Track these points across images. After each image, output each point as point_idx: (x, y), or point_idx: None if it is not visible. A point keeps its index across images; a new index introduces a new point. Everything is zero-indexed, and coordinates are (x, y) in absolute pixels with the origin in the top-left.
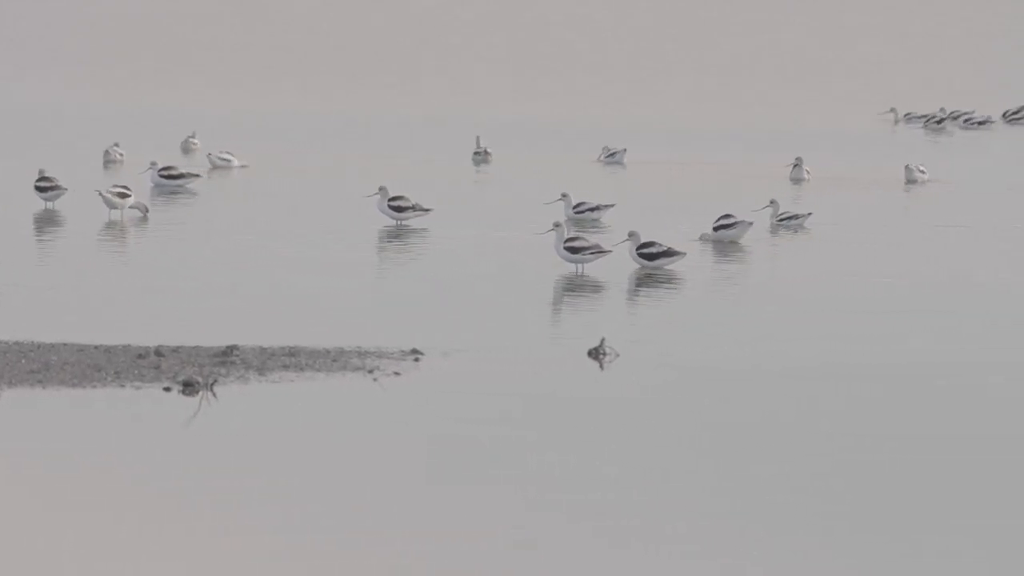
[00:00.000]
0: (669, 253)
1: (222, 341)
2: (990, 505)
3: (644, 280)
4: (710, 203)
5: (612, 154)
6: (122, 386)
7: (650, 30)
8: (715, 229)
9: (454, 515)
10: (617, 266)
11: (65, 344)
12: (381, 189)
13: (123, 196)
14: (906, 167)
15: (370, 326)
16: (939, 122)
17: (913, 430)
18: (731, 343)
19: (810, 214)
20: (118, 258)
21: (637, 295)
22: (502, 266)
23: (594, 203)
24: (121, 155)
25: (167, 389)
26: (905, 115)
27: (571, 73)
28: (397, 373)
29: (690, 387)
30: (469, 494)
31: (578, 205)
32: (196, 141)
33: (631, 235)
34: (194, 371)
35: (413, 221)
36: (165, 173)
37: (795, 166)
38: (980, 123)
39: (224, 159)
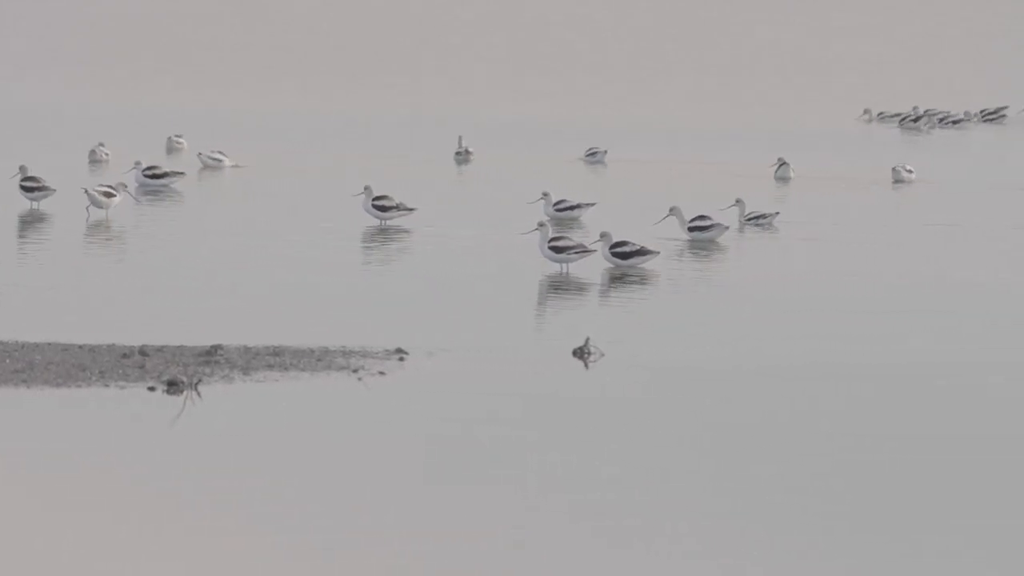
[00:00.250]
0: (642, 252)
1: (207, 341)
2: (989, 505)
3: (628, 280)
4: (693, 202)
5: (593, 153)
6: (106, 386)
7: (650, 30)
8: (690, 230)
9: (441, 515)
10: (602, 265)
11: (49, 344)
12: (366, 188)
13: (109, 196)
14: (893, 168)
15: (355, 326)
16: (915, 121)
17: (912, 430)
18: (714, 342)
19: (777, 213)
20: (102, 258)
21: (622, 295)
22: (486, 266)
23: (575, 201)
24: (107, 154)
25: (152, 389)
26: (879, 114)
27: (571, 73)
28: (382, 373)
29: (675, 387)
30: (455, 493)
31: (559, 203)
32: (182, 140)
33: (603, 235)
34: (179, 370)
35: (397, 220)
36: (149, 173)
37: (780, 165)
38: (955, 123)
39: (215, 159)
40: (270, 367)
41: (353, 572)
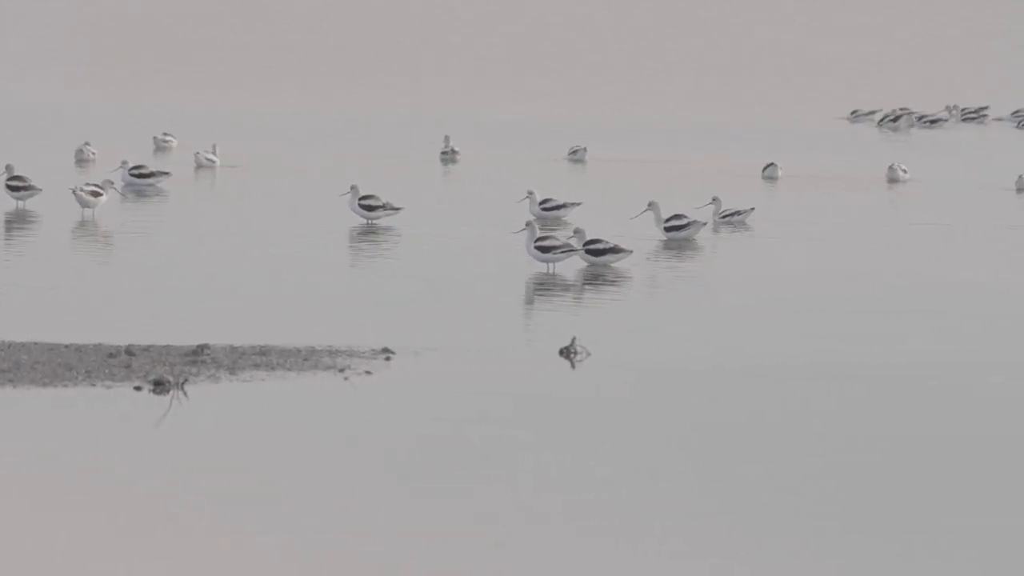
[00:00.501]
0: (615, 250)
1: (193, 340)
2: (981, 505)
3: (614, 279)
4: (680, 200)
5: (575, 151)
6: (93, 385)
7: (650, 30)
8: (667, 229)
9: (427, 515)
10: (589, 265)
11: (36, 343)
12: (352, 188)
13: (96, 195)
14: (889, 167)
15: (341, 325)
16: (894, 120)
17: (902, 430)
18: (699, 342)
19: (752, 209)
20: (89, 257)
21: (608, 294)
22: (472, 266)
23: (561, 201)
24: (93, 153)
25: (138, 388)
26: (852, 112)
27: (570, 73)
28: (368, 372)
29: (661, 386)
30: (441, 493)
31: (544, 202)
32: (169, 139)
33: (576, 232)
34: (165, 370)
35: (383, 220)
36: (136, 172)
37: (768, 165)
38: (932, 122)
39: (210, 159)
40: (256, 367)
41: (340, 572)
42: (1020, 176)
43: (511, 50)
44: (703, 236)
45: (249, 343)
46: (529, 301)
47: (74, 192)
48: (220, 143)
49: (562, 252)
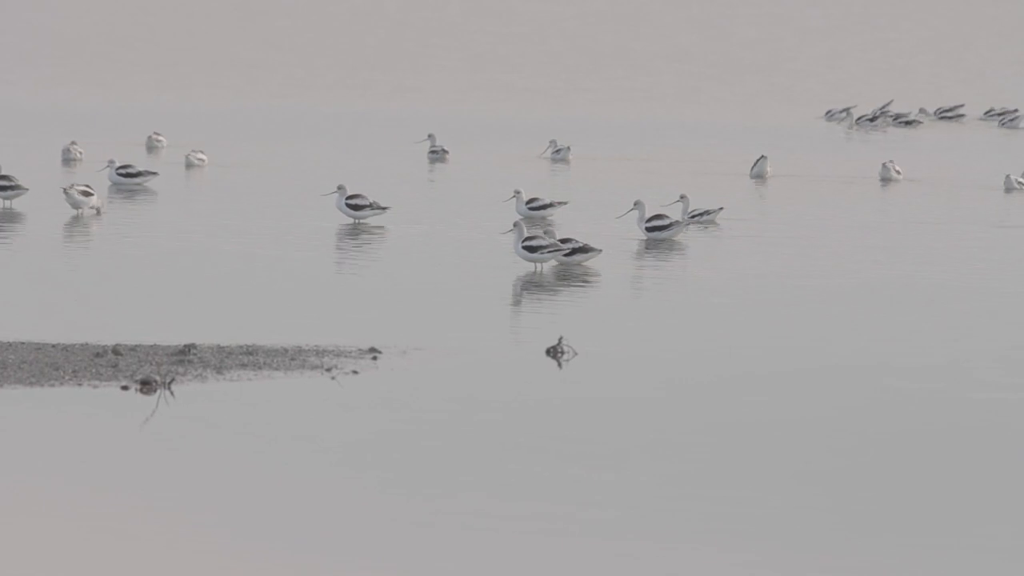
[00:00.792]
0: (584, 250)
1: (180, 340)
2: (979, 505)
3: (602, 279)
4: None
5: (557, 150)
6: (80, 385)
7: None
8: (648, 229)
9: (414, 515)
10: (584, 263)
11: (23, 343)
12: (339, 188)
13: (87, 195)
14: (883, 165)
15: (328, 325)
16: (871, 120)
17: (898, 430)
18: (686, 341)
19: (721, 208)
20: (76, 256)
21: (595, 294)
22: (460, 264)
23: (547, 200)
24: (80, 153)
25: (125, 388)
26: (827, 112)
27: (555, 71)
28: (355, 372)
29: (649, 385)
30: (429, 493)
31: (531, 201)
32: (162, 138)
33: (546, 232)
34: (152, 370)
35: (371, 219)
36: (123, 171)
37: (760, 158)
38: (907, 123)
39: (201, 159)
40: (243, 366)
41: (328, 572)
42: (1007, 176)
43: (499, 49)
44: (685, 235)
45: (236, 343)
46: (516, 301)
47: (66, 191)
48: (208, 143)
49: (549, 252)
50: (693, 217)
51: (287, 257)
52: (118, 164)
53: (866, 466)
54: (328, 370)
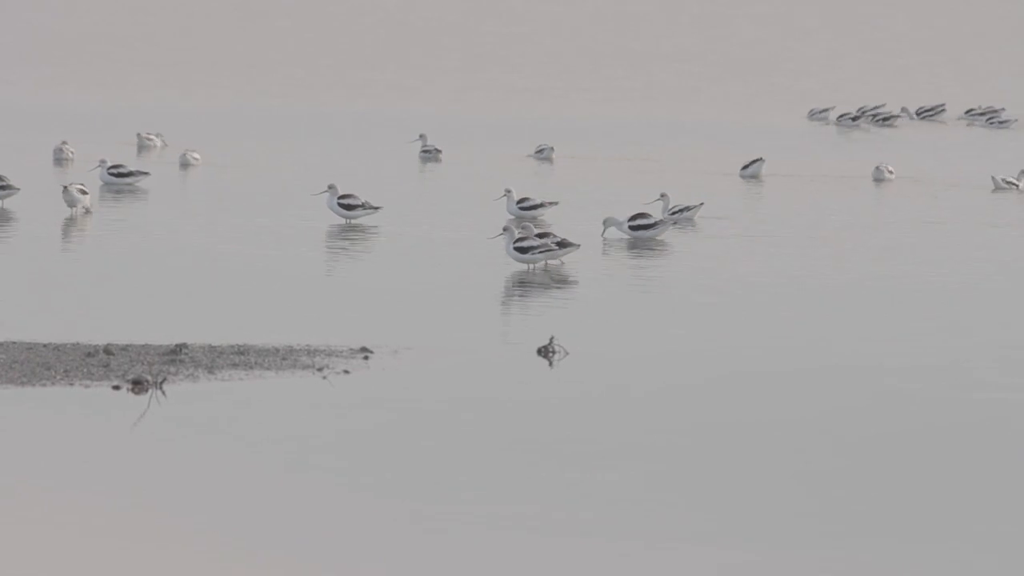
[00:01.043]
0: (564, 244)
1: (171, 339)
2: (975, 503)
3: (593, 279)
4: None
5: (541, 150)
6: (71, 384)
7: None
8: (634, 228)
9: (405, 515)
10: (572, 263)
11: (14, 342)
12: (331, 187)
13: (83, 193)
14: (876, 167)
15: (319, 324)
16: (853, 119)
17: (892, 429)
18: (677, 340)
19: (702, 203)
20: (68, 256)
21: (585, 294)
22: (451, 264)
23: (538, 200)
24: (72, 152)
25: (116, 388)
26: (810, 111)
27: (546, 71)
28: (347, 371)
29: (640, 385)
30: (420, 493)
31: (522, 201)
32: (152, 137)
33: (505, 229)
34: (143, 369)
35: (362, 219)
36: (114, 171)
37: (752, 163)
38: (885, 119)
39: (196, 158)
40: (235, 366)
41: (320, 572)
42: (993, 176)
43: (499, 49)
44: (674, 234)
45: (227, 342)
46: (507, 301)
47: (66, 188)
48: (207, 142)
49: (541, 252)
50: (674, 214)
51: (278, 257)
52: (109, 164)
53: (864, 466)
54: (319, 370)
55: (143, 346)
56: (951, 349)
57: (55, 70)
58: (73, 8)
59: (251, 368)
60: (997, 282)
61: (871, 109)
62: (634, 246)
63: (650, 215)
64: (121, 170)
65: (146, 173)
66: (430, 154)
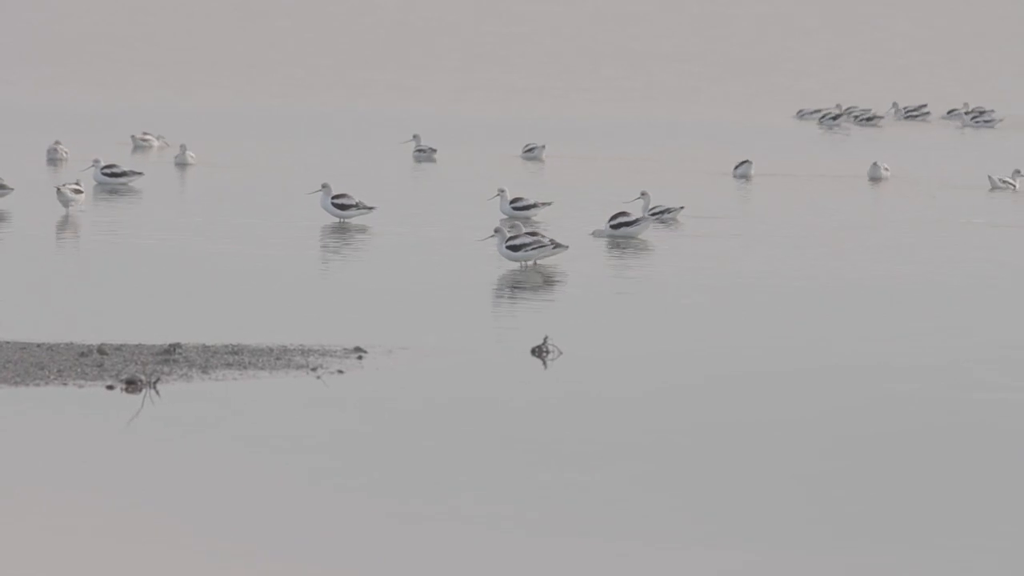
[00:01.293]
0: (552, 244)
1: (165, 339)
2: (971, 502)
3: (586, 278)
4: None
5: (531, 149)
6: (65, 384)
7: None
8: (615, 227)
9: (398, 515)
10: (564, 263)
11: (7, 342)
12: (324, 186)
13: (78, 193)
14: (873, 164)
15: (313, 324)
16: (835, 118)
17: (887, 429)
18: (670, 340)
19: (682, 207)
20: (61, 256)
21: (579, 294)
22: (445, 264)
23: (532, 200)
24: (66, 152)
25: (110, 387)
26: (798, 111)
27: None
28: (340, 371)
29: (634, 384)
30: (413, 493)
31: (515, 201)
32: (148, 138)
33: (497, 231)
34: (137, 369)
35: (356, 219)
36: (108, 171)
37: (743, 163)
38: (869, 119)
39: (193, 157)
40: (229, 366)
41: (314, 571)
42: (990, 176)
43: (499, 49)
44: (671, 235)
45: (221, 342)
46: (501, 300)
47: (59, 190)
48: (206, 142)
49: (533, 249)
50: (655, 215)
51: (272, 256)
52: (103, 164)
53: (863, 467)
54: (313, 369)
55: (137, 346)
56: (950, 349)
57: (55, 70)
58: (73, 8)
59: (245, 368)
60: (996, 282)
61: (855, 110)
62: (624, 246)
63: (630, 213)
64: (114, 170)
65: (139, 173)
66: (424, 154)
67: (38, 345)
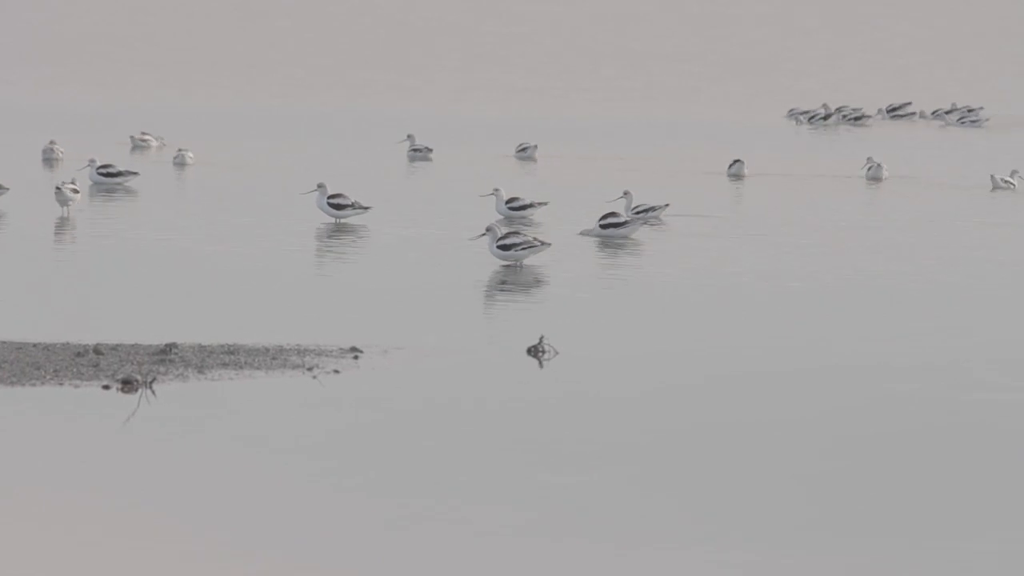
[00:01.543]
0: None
1: (161, 339)
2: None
3: (583, 278)
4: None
5: (524, 149)
6: (61, 384)
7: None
8: (605, 227)
9: (395, 515)
10: (558, 263)
11: (3, 342)
12: (319, 186)
13: (75, 192)
14: (876, 165)
15: (309, 324)
16: (824, 118)
17: (886, 430)
18: (666, 340)
19: (667, 205)
20: (57, 256)
21: (575, 293)
22: (441, 264)
23: (528, 200)
24: (61, 152)
25: (106, 387)
26: (790, 111)
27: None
28: (336, 371)
29: (630, 384)
30: (409, 494)
31: (511, 201)
32: (147, 138)
33: (488, 230)
34: (133, 369)
35: (352, 219)
36: (104, 171)
37: (735, 162)
38: (856, 119)
39: (192, 157)
40: (225, 366)
41: (310, 572)
42: (992, 176)
43: (499, 49)
44: (669, 235)
45: (217, 342)
46: (496, 300)
47: (58, 188)
48: (205, 142)
49: (524, 248)
50: (638, 214)
51: (269, 256)
52: (99, 164)
53: (863, 467)
54: (309, 369)
55: (133, 346)
56: (950, 349)
57: (55, 70)
58: (73, 8)
59: (241, 368)
60: (996, 282)
61: (845, 109)
62: (616, 246)
63: (619, 214)
64: (110, 170)
65: (135, 173)
66: (419, 153)
67: (34, 345)
